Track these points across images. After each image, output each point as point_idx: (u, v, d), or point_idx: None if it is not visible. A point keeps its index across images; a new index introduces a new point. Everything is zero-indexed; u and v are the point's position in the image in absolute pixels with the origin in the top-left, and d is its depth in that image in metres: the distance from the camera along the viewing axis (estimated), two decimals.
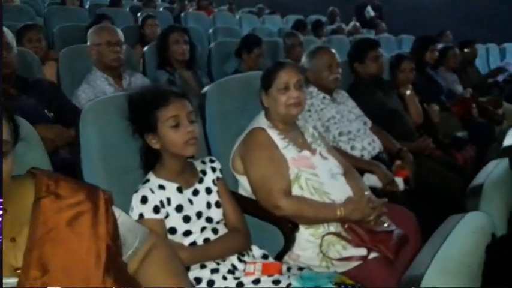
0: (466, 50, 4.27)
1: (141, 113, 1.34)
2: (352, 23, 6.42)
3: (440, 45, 3.64)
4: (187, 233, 1.37)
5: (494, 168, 1.35)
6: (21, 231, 0.87)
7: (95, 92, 2.21)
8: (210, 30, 4.56)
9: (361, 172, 1.95)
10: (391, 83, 2.78)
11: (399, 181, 2.03)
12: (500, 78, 4.36)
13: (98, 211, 0.95)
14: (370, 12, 6.56)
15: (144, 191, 1.33)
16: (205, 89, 1.82)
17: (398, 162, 2.17)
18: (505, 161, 1.38)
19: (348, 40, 4.91)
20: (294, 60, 3.60)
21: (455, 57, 3.72)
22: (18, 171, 0.90)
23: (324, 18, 6.81)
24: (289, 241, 1.53)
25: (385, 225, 1.59)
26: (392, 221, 1.63)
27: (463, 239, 0.93)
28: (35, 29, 2.92)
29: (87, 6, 5.57)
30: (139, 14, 4.88)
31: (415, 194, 2.07)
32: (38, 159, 1.14)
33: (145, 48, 2.97)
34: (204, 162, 1.50)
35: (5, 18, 2.95)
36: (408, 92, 2.75)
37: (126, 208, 1.32)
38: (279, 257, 1.52)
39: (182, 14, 5.69)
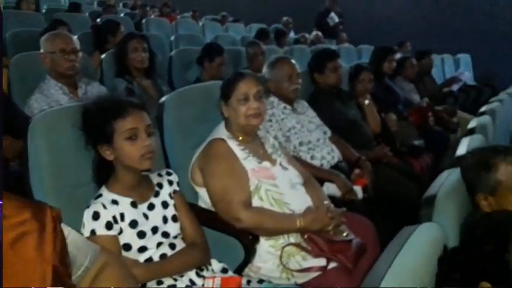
0: (422, 60, 4.42)
1: (97, 122, 1.30)
2: (314, 33, 6.52)
3: (398, 56, 3.75)
4: (143, 249, 1.32)
5: (447, 178, 1.39)
6: None
7: (49, 101, 2.12)
8: (172, 38, 4.50)
9: (321, 181, 1.96)
10: (350, 93, 2.83)
11: (358, 189, 2.06)
12: (455, 87, 4.53)
13: (45, 230, 0.91)
14: (334, 18, 6.51)
15: (95, 206, 1.28)
16: (164, 98, 1.79)
17: (357, 170, 2.20)
18: (457, 171, 1.42)
19: (310, 50, 4.98)
20: (256, 69, 3.62)
21: (413, 68, 3.84)
22: None
23: None
24: (250, 253, 1.52)
25: (344, 234, 1.60)
26: (351, 230, 1.64)
27: (415, 251, 0.94)
28: None
29: (43, 11, 5.39)
30: (98, 20, 4.76)
31: (374, 202, 2.10)
32: None
33: (103, 56, 2.89)
34: (160, 175, 1.46)
35: None
36: (367, 102, 2.81)
37: (78, 225, 1.27)
38: (240, 270, 1.50)
39: (143, 21, 5.60)
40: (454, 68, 5.96)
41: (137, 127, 1.28)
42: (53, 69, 2.21)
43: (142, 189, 1.38)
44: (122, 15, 5.98)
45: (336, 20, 6.67)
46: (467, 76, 5.04)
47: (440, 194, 1.25)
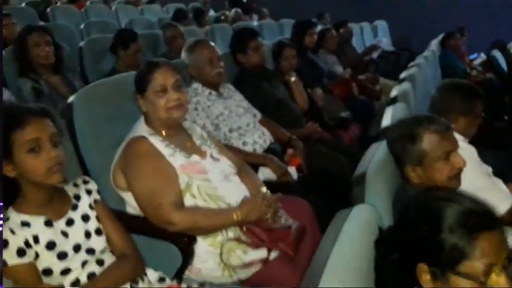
0: (341, 30, 4.49)
1: None
2: (234, 10, 6.39)
3: (318, 28, 3.76)
4: (66, 272, 1.19)
5: (375, 153, 1.39)
6: None
7: None
8: (82, 26, 4.16)
9: (255, 167, 1.91)
10: (276, 71, 2.79)
11: (292, 170, 2.04)
12: (375, 55, 4.67)
13: None
14: None
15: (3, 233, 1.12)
16: (71, 98, 1.61)
17: (290, 151, 2.18)
18: (384, 144, 1.42)
19: (231, 28, 4.86)
20: (176, 52, 3.44)
21: (333, 39, 3.89)
22: None
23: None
24: (188, 256, 1.43)
25: (282, 220, 1.56)
26: (288, 213, 1.61)
27: (351, 237, 0.93)
28: None
29: None
30: None
31: (309, 180, 2.10)
32: None
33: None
34: (76, 185, 1.32)
35: None
36: (293, 79, 2.79)
37: None
38: (179, 274, 1.41)
39: (48, 10, 5.13)
40: (373, 35, 6.16)
41: (39, 137, 1.13)
42: None
43: (56, 204, 1.24)
44: (23, 5, 5.43)
45: None
46: (385, 42, 5.23)
47: (370, 171, 1.24)
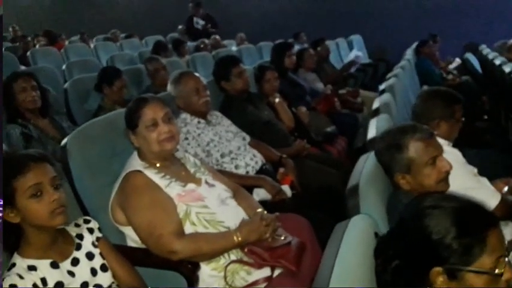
0: (318, 48, 4.61)
1: None
2: (212, 37, 6.52)
3: (295, 49, 3.87)
4: None
5: (365, 164, 1.45)
6: None
7: None
8: (63, 67, 4.20)
9: (250, 188, 1.95)
10: (259, 94, 2.86)
11: (286, 188, 2.08)
12: (353, 69, 4.80)
13: None
14: (199, 22, 6.87)
15: (10, 279, 1.14)
16: (65, 141, 1.64)
17: (281, 170, 2.22)
18: (372, 155, 1.48)
19: (211, 55, 4.96)
20: (159, 85, 3.50)
21: (312, 58, 3.99)
22: None
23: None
24: (192, 282, 1.45)
25: (282, 238, 1.60)
26: (287, 230, 1.64)
27: (352, 248, 0.96)
28: None
29: None
30: None
31: (302, 196, 2.14)
32: None
33: None
34: (78, 225, 1.34)
35: None
36: (277, 100, 2.85)
37: None
38: None
39: (28, 53, 5.17)
40: (349, 49, 6.32)
41: (41, 182, 1.16)
42: None
43: (60, 246, 1.26)
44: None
45: (201, 22, 6.99)
46: (361, 57, 5.37)
47: (362, 183, 1.30)
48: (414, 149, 1.33)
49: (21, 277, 1.15)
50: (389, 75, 3.46)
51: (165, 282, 1.46)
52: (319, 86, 3.90)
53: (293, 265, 1.50)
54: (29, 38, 6.45)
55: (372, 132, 1.89)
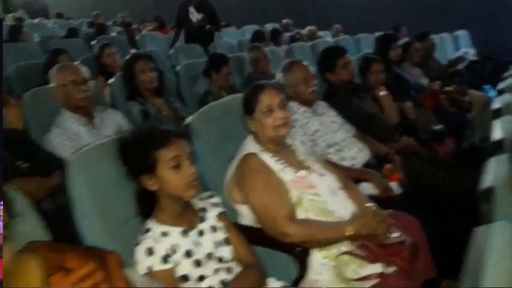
0: (423, 42, 4.37)
1: (138, 154, 1.26)
2: (307, 28, 6.48)
3: (401, 42, 3.71)
4: (201, 278, 1.29)
5: (498, 167, 1.35)
6: None
7: (68, 134, 2.08)
8: (171, 51, 4.46)
9: (355, 182, 1.92)
10: (364, 86, 2.79)
11: (394, 185, 2.02)
12: (460, 66, 4.49)
13: (112, 279, 0.90)
14: (193, 14, 5.19)
15: (147, 242, 1.24)
16: (188, 120, 1.74)
17: (388, 166, 2.16)
18: (503, 158, 1.38)
19: (308, 46, 4.94)
20: (260, 72, 3.58)
21: (418, 52, 3.80)
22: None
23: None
24: (303, 267, 1.48)
25: (395, 235, 1.56)
26: (398, 229, 1.60)
27: (500, 257, 0.90)
28: None
29: (35, 40, 5.34)
30: (93, 42, 4.72)
31: (411, 195, 2.06)
32: (34, 230, 1.03)
33: (111, 81, 2.84)
34: (202, 199, 1.42)
35: None
36: (382, 93, 2.77)
37: (130, 261, 1.22)
38: (295, 284, 1.46)
39: (138, 37, 5.56)
40: (454, 46, 5.92)
41: (180, 155, 1.25)
42: (67, 102, 2.17)
43: (189, 217, 1.35)
44: (114, 33, 5.93)
45: (197, 16, 4.96)
46: (471, 54, 5.00)
47: (498, 187, 1.21)
48: None
49: (157, 241, 1.25)
50: (506, 73, 3.18)
51: (276, 262, 1.50)
52: (424, 81, 3.71)
53: (406, 264, 1.46)
54: (135, 26, 6.93)
55: (497, 134, 1.76)
